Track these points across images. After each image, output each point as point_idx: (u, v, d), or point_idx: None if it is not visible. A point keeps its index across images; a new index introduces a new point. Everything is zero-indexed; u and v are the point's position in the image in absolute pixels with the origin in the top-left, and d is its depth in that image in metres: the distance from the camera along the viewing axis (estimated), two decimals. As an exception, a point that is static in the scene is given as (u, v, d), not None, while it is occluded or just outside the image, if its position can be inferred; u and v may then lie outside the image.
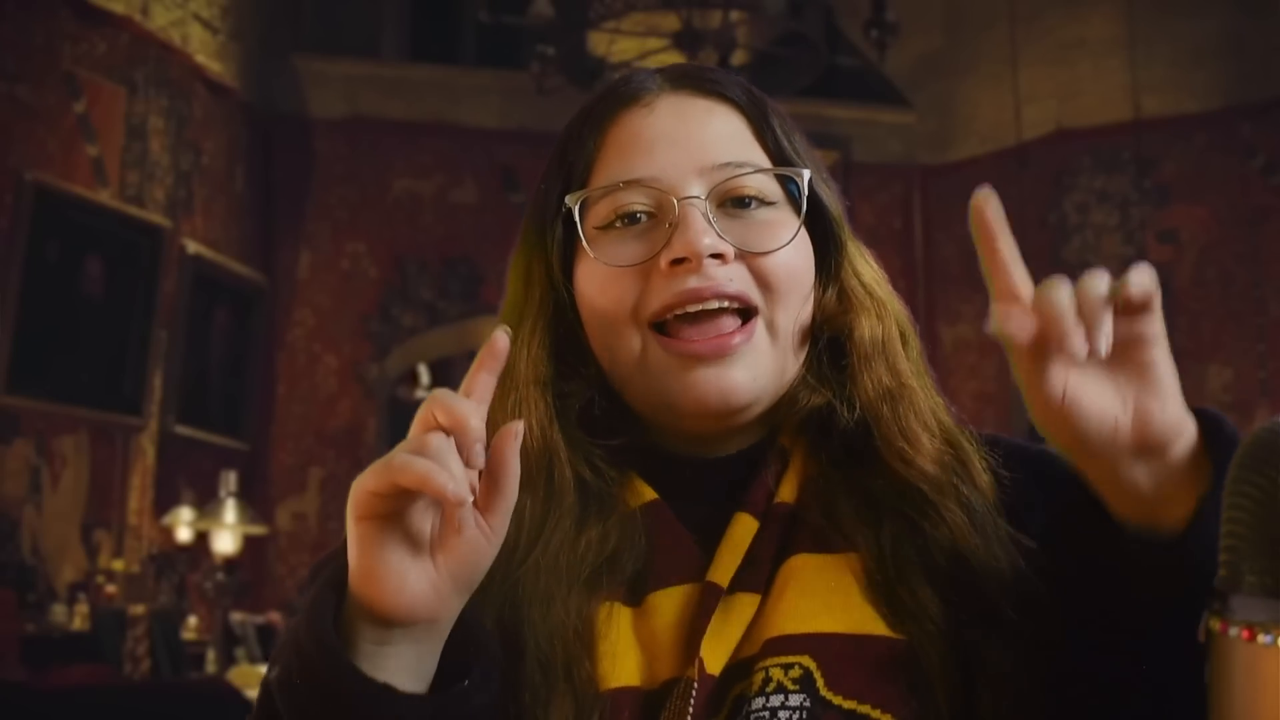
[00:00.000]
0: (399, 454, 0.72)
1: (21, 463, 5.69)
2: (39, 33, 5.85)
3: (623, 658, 0.84)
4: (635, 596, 0.87)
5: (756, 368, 0.88)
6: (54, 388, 5.80)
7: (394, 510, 0.73)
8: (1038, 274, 0.82)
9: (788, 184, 0.91)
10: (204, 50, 6.98)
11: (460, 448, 0.72)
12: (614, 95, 0.94)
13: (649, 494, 0.91)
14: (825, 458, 0.91)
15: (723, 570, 0.86)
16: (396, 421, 7.60)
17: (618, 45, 5.94)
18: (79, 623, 5.64)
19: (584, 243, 0.89)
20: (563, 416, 0.90)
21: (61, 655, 5.16)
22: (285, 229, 7.71)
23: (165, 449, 6.55)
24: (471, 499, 0.74)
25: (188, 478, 6.61)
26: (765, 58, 6.38)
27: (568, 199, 0.90)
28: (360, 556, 0.73)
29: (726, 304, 0.87)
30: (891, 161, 8.47)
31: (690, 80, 0.93)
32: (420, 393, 6.16)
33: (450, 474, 0.70)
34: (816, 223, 0.93)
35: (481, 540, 0.75)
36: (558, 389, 0.91)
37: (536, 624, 0.84)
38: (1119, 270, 0.89)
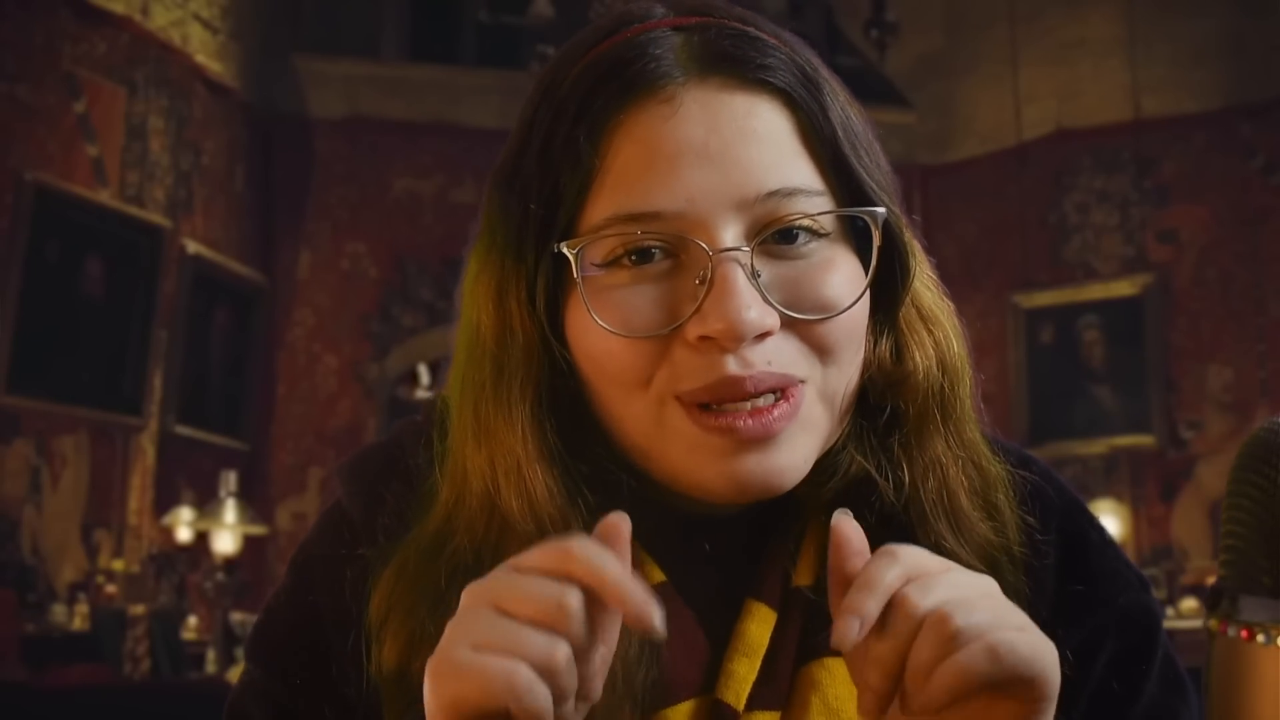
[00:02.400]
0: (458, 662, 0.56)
1: (21, 463, 5.69)
2: (39, 33, 5.85)
3: None
4: (645, 712, 0.71)
5: (806, 445, 0.70)
6: (54, 388, 5.79)
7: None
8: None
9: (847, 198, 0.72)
10: (204, 50, 6.97)
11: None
12: (621, 80, 0.69)
13: (656, 574, 0.73)
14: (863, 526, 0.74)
15: (736, 686, 0.71)
16: (396, 422, 7.60)
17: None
18: (79, 623, 5.64)
19: (583, 298, 0.68)
20: (579, 498, 0.70)
21: (61, 655, 5.16)
22: (285, 229, 7.71)
23: (165, 449, 6.55)
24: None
25: (188, 478, 6.61)
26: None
27: (563, 247, 0.68)
28: None
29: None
30: (891, 161, 8.40)
31: (725, 63, 0.70)
32: (420, 393, 6.15)
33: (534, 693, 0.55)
34: (882, 258, 0.73)
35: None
36: (565, 466, 0.71)
37: None
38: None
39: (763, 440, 0.68)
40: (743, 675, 0.71)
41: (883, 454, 0.74)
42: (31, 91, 5.78)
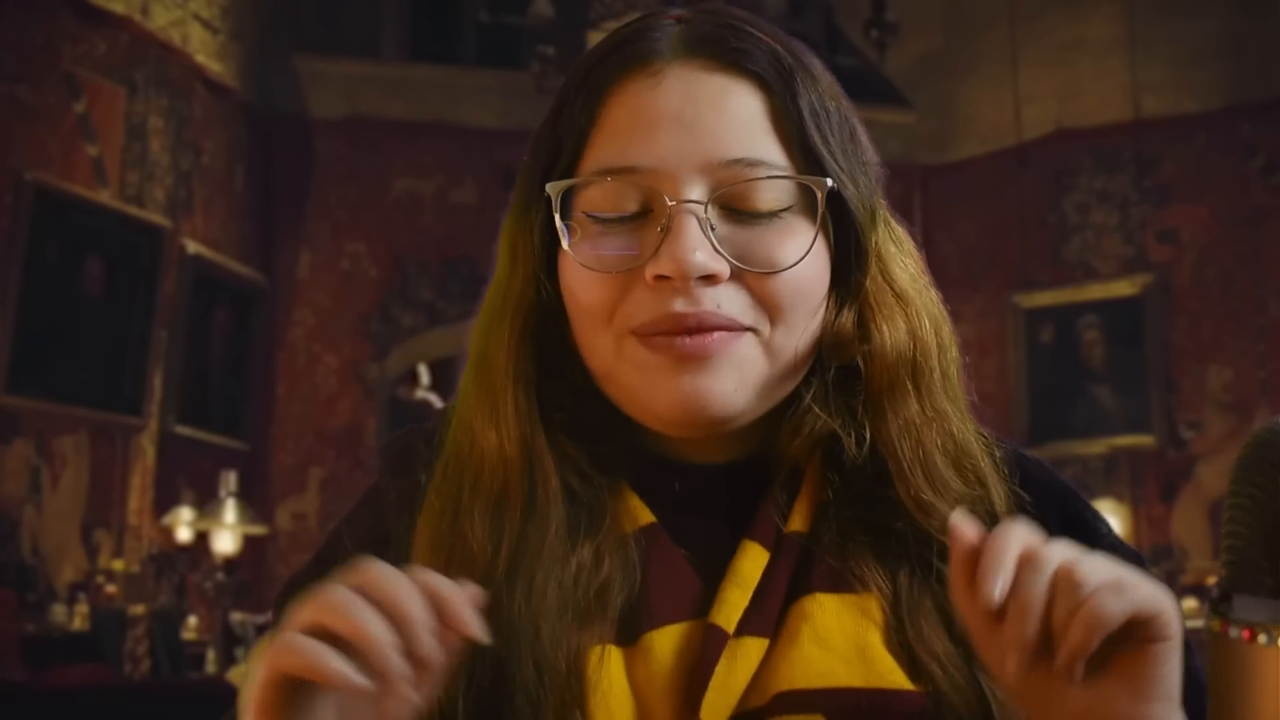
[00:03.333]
0: (286, 639, 0.63)
1: (21, 463, 5.69)
2: (39, 33, 5.85)
3: (618, 709, 0.75)
4: (629, 635, 0.78)
5: (739, 380, 0.77)
6: (54, 388, 5.80)
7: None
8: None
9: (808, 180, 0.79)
10: (204, 50, 6.97)
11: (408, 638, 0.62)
12: (618, 55, 0.80)
13: (645, 516, 0.81)
14: (839, 481, 0.82)
15: (728, 611, 0.77)
16: (396, 421, 7.60)
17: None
18: (79, 623, 5.64)
19: (563, 238, 0.78)
20: (547, 420, 0.80)
21: (61, 655, 5.16)
22: (285, 229, 7.71)
23: (165, 449, 6.55)
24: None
25: (188, 478, 6.61)
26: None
27: (549, 187, 0.78)
28: None
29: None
30: (891, 161, 8.30)
31: (709, 46, 0.79)
32: (420, 393, 6.15)
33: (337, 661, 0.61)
34: (840, 228, 0.81)
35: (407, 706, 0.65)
36: (541, 390, 0.81)
37: (524, 656, 0.75)
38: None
39: (699, 359, 0.76)
40: (734, 602, 0.77)
41: (848, 414, 0.81)
42: (31, 91, 5.78)
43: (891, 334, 0.81)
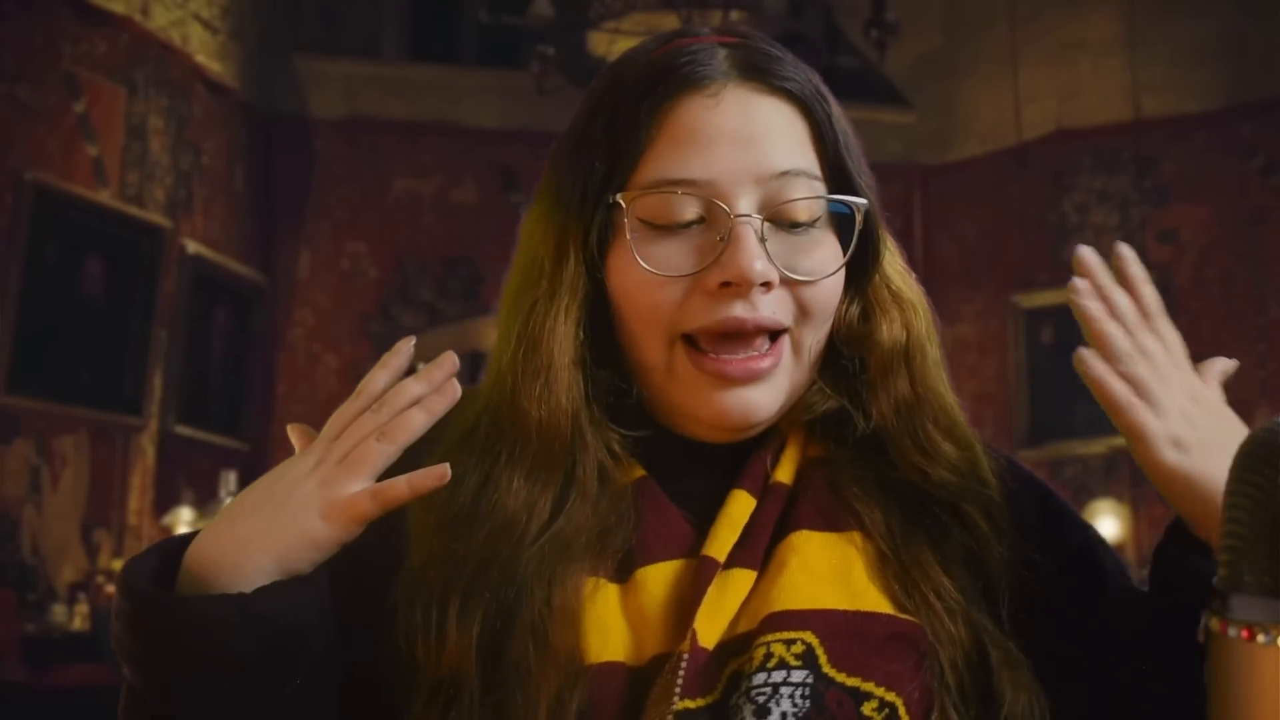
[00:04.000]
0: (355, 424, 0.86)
1: (21, 463, 5.69)
2: (39, 33, 5.85)
3: (610, 633, 0.82)
4: (622, 573, 0.85)
5: (780, 388, 0.87)
6: (54, 388, 5.79)
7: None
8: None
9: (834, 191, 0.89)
10: (204, 50, 6.97)
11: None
12: (677, 75, 0.87)
13: (637, 470, 0.89)
14: (833, 441, 0.91)
15: (719, 545, 0.84)
16: (396, 421, 7.60)
17: (618, 45, 5.94)
18: (79, 623, 5.64)
19: (629, 241, 0.85)
20: (594, 400, 0.88)
21: (61, 655, 5.17)
22: (285, 229, 7.71)
23: (165, 449, 6.55)
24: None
25: (188, 478, 6.61)
26: (765, 58, 6.36)
27: (618, 196, 0.85)
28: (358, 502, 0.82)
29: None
30: (891, 161, 8.46)
31: (759, 73, 0.88)
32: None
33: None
34: (858, 242, 0.91)
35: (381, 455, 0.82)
36: (588, 373, 0.88)
37: (534, 599, 0.81)
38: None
39: (747, 381, 0.85)
40: (725, 538, 0.85)
41: (851, 393, 0.91)
42: (31, 91, 5.77)
43: (889, 327, 0.92)
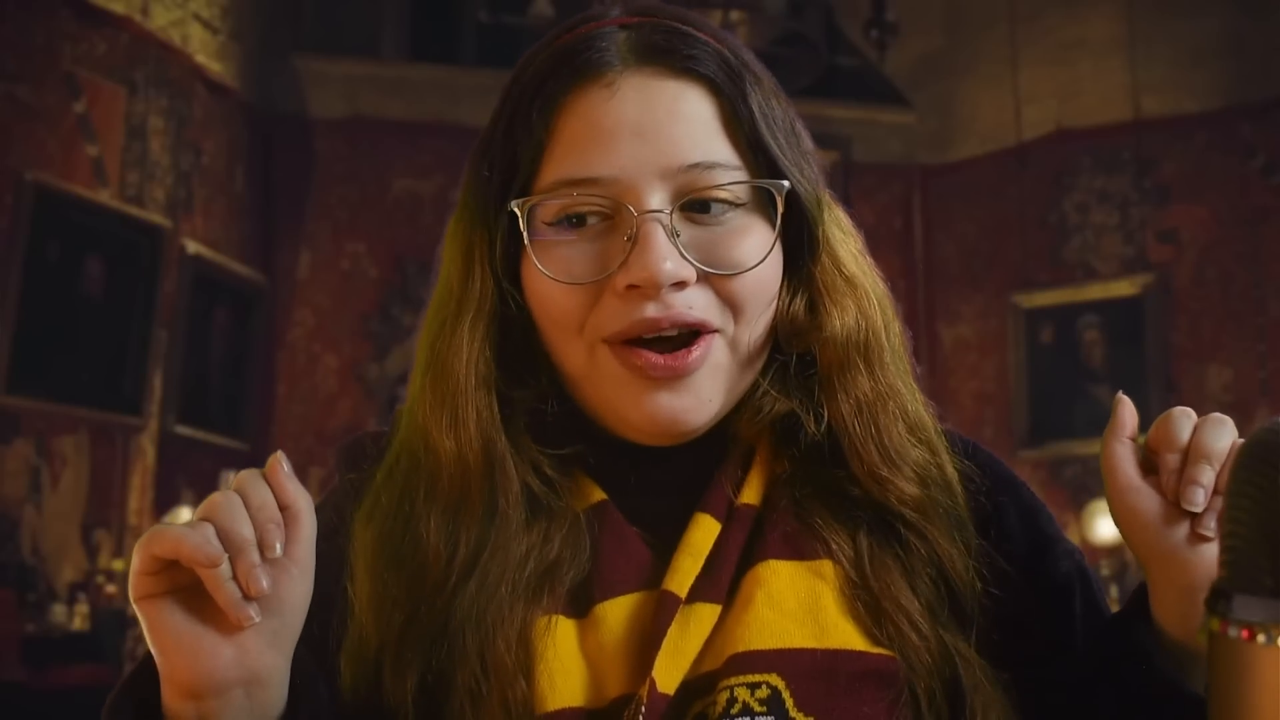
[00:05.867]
0: (155, 528, 0.70)
1: (21, 463, 5.68)
2: (39, 33, 5.85)
3: (565, 675, 0.76)
4: (580, 608, 0.79)
5: (713, 389, 0.81)
6: (54, 388, 5.79)
7: (172, 584, 0.69)
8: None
9: (761, 172, 0.82)
10: (204, 50, 6.97)
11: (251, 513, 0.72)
12: (570, 67, 0.81)
13: (596, 494, 0.83)
14: (796, 455, 0.84)
15: (680, 578, 0.79)
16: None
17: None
18: (79, 623, 5.64)
19: (529, 255, 0.80)
20: (509, 423, 0.82)
21: (61, 655, 5.16)
22: (285, 229, 7.71)
23: (165, 449, 6.55)
24: (257, 553, 0.70)
25: (188, 478, 6.61)
26: (765, 58, 6.37)
27: (514, 205, 0.80)
28: (152, 635, 0.68)
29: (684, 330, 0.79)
30: (891, 161, 8.47)
31: (659, 54, 0.81)
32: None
33: (203, 538, 0.68)
34: (791, 220, 0.83)
35: (287, 583, 0.70)
36: (502, 394, 0.82)
37: (468, 648, 0.76)
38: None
39: (673, 380, 0.78)
40: (686, 569, 0.79)
41: (803, 393, 0.84)
42: (31, 91, 5.77)
43: (842, 317, 0.84)
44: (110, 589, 5.99)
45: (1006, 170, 8.05)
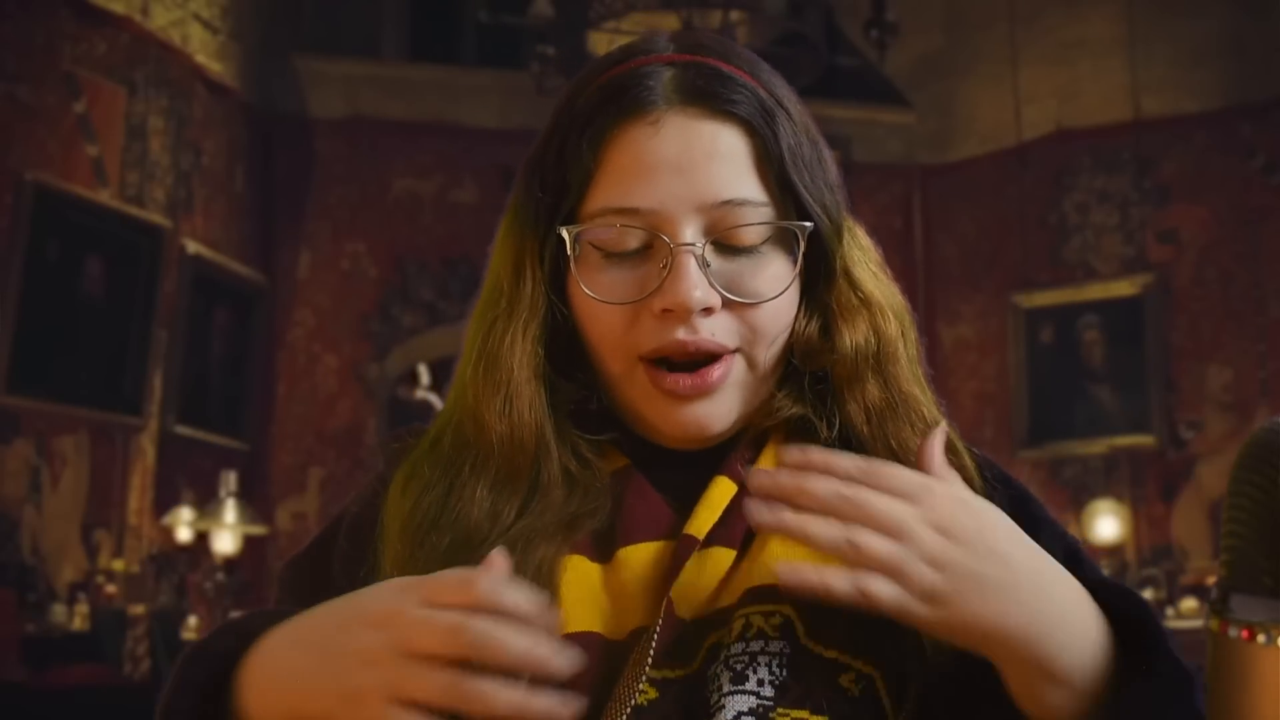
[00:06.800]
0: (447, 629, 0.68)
1: (21, 463, 5.68)
2: (39, 33, 5.85)
3: (585, 605, 0.83)
4: (603, 553, 0.86)
5: (733, 401, 0.89)
6: (54, 388, 5.79)
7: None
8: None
9: (783, 208, 0.89)
10: (204, 50, 6.97)
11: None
12: (617, 104, 0.89)
13: (619, 460, 0.91)
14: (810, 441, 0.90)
15: (698, 524, 0.86)
16: (396, 421, 7.59)
17: (618, 45, 5.93)
18: (79, 623, 5.64)
19: (575, 274, 0.88)
20: (556, 410, 0.90)
21: (61, 655, 5.17)
22: (285, 229, 7.71)
23: (165, 449, 6.55)
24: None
25: (188, 478, 6.61)
26: (765, 58, 6.36)
27: (564, 230, 0.88)
28: None
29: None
30: (891, 161, 8.47)
31: (700, 97, 0.89)
32: (420, 393, 6.15)
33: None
34: (811, 255, 0.91)
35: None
36: (552, 384, 0.91)
37: None
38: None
39: (698, 397, 0.87)
40: (704, 518, 0.86)
41: (817, 400, 0.91)
42: (31, 91, 5.77)
43: (853, 336, 0.91)
44: (110, 589, 5.99)
45: (1006, 170, 8.05)
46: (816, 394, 0.92)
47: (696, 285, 0.85)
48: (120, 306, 6.27)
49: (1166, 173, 7.75)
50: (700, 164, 0.87)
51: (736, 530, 0.86)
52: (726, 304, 0.87)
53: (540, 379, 0.90)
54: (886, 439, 0.89)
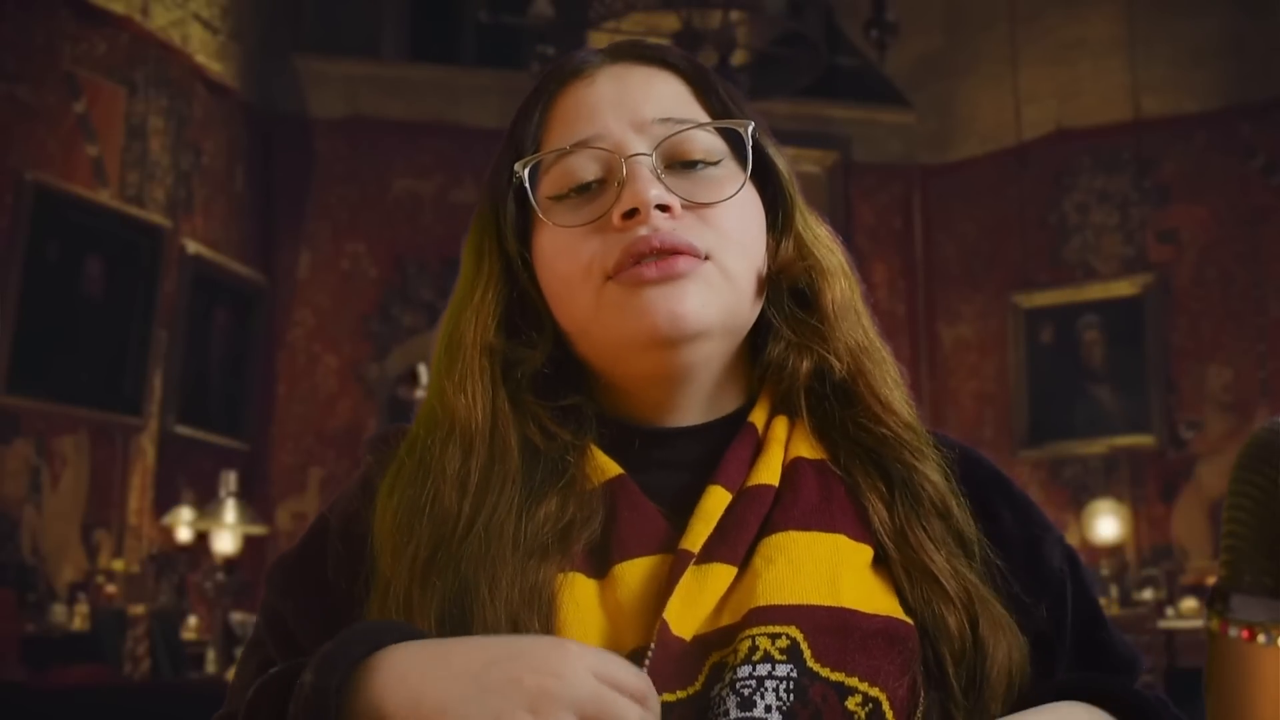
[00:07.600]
0: None
1: (21, 463, 5.69)
2: (39, 33, 5.85)
3: (582, 626, 0.81)
4: (598, 569, 0.84)
5: (706, 296, 0.87)
6: (54, 388, 5.79)
7: None
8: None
9: (734, 143, 0.91)
10: (204, 50, 6.98)
11: None
12: (558, 71, 0.95)
13: (612, 469, 0.88)
14: (813, 426, 0.91)
15: (694, 538, 0.84)
16: (396, 421, 7.59)
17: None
18: (79, 623, 5.64)
19: (537, 209, 0.90)
20: (509, 382, 0.90)
21: (61, 655, 5.16)
22: (285, 229, 7.71)
23: (165, 449, 6.55)
24: None
25: (188, 478, 6.61)
26: (765, 58, 6.38)
27: (516, 166, 0.91)
28: None
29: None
30: (891, 161, 8.47)
31: (630, 51, 0.95)
32: (420, 392, 6.15)
33: None
34: (765, 181, 0.93)
35: None
36: (506, 356, 0.91)
37: (483, 594, 0.80)
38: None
39: (666, 283, 0.85)
40: (699, 531, 0.84)
41: (816, 341, 0.91)
42: (31, 91, 5.78)
43: (828, 259, 0.94)
44: (110, 589, 5.99)
45: (1006, 170, 8.05)
46: (814, 335, 0.92)
47: (652, 184, 0.87)
48: (120, 306, 6.27)
49: (1166, 173, 7.75)
50: (636, 94, 0.91)
51: (738, 545, 0.84)
52: (687, 207, 0.88)
53: (492, 352, 0.90)
54: (870, 383, 0.90)
